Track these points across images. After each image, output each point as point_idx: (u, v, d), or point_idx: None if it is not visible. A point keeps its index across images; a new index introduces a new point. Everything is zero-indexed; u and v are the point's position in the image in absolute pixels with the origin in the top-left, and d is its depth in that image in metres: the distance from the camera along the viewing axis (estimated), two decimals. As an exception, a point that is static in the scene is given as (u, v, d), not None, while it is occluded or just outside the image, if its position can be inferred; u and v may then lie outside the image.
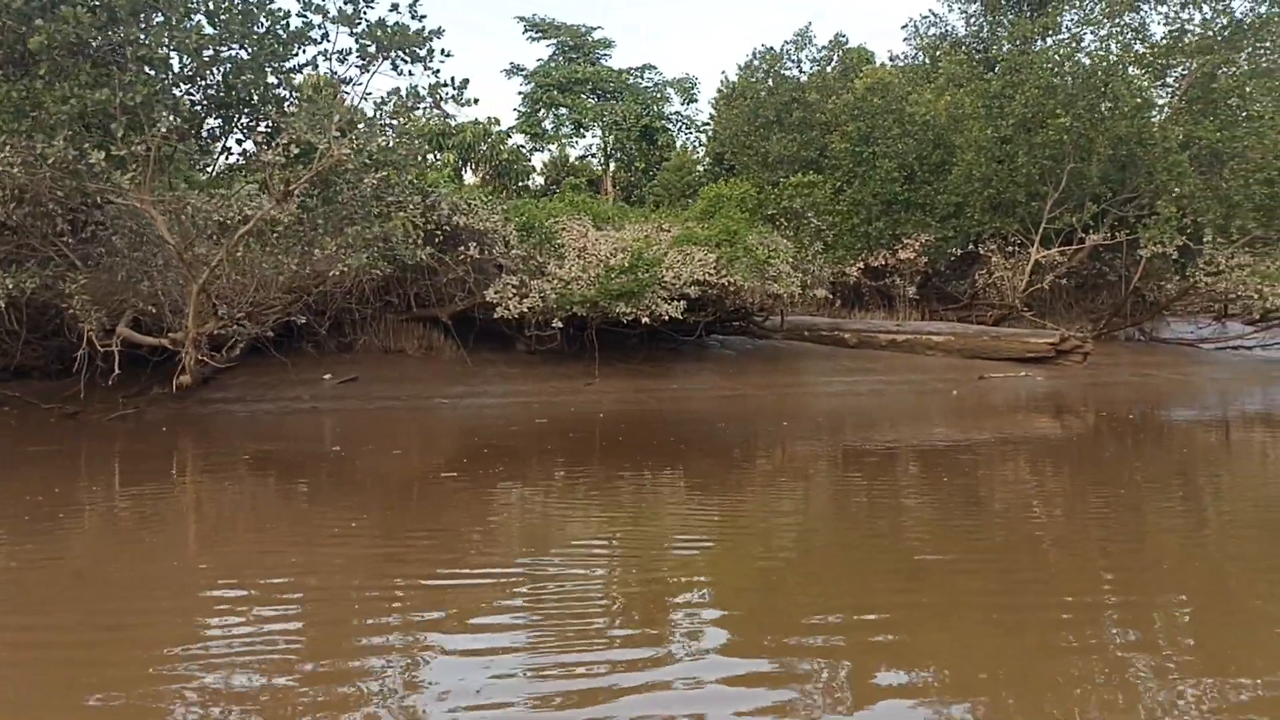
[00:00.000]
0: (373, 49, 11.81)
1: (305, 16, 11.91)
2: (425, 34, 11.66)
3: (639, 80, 36.58)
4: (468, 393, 15.17)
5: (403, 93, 12.30)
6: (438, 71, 12.08)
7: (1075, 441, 12.43)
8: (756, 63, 28.11)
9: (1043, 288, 25.58)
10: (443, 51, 11.89)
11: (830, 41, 27.60)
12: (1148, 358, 24.97)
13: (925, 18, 29.76)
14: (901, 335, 23.25)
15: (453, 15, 69.62)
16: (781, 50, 27.74)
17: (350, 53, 11.98)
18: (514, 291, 16.23)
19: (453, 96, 12.27)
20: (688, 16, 73.49)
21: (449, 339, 17.23)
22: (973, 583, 5.61)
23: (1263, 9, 23.70)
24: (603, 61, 37.69)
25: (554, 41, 37.65)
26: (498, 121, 36.16)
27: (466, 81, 12.18)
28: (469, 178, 36.47)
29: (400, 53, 11.84)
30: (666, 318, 16.60)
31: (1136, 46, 25.99)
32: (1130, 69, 25.82)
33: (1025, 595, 5.38)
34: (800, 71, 27.51)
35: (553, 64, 37.21)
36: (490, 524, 7.18)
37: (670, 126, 36.73)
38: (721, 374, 18.19)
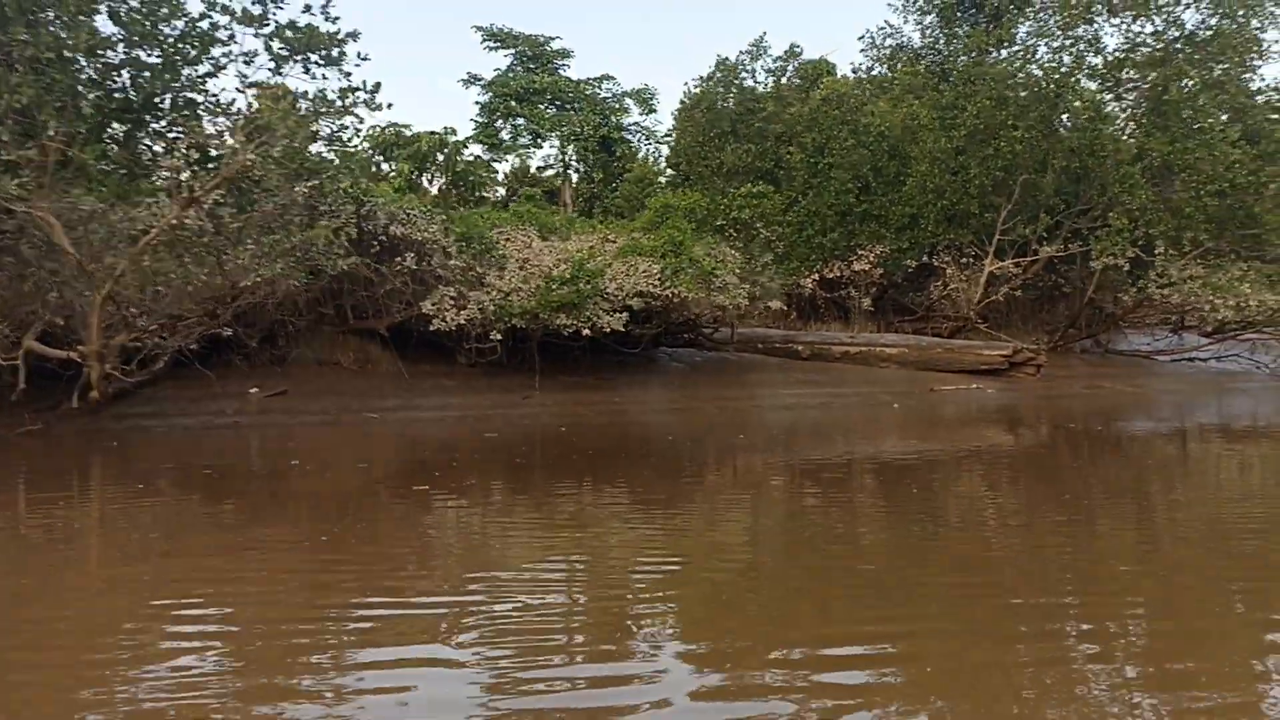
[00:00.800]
0: (285, 52, 11.39)
1: (210, 17, 11.47)
2: (339, 36, 11.28)
3: (597, 90, 36.30)
4: (401, 406, 14.75)
5: (310, 97, 11.86)
6: (349, 75, 11.69)
7: (1017, 455, 12.18)
8: (713, 73, 27.89)
9: (998, 299, 25.50)
10: (360, 55, 11.53)
11: (785, 52, 27.43)
12: (1101, 370, 24.88)
13: (881, 29, 29.67)
14: (855, 347, 23.05)
15: (409, 23, 69.30)
16: (737, 61, 27.53)
17: (255, 54, 11.54)
18: (451, 303, 15.84)
19: (364, 101, 11.87)
20: (653, 29, 73.46)
21: (387, 352, 16.80)
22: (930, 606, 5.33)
23: (1214, 21, 23.72)
24: (561, 72, 37.39)
25: (512, 51, 37.30)
26: (454, 131, 35.80)
27: (379, 85, 11.82)
28: (433, 188, 36.11)
29: (312, 56, 11.44)
30: (609, 330, 16.26)
31: (1092, 59, 25.99)
32: (1085, 82, 25.85)
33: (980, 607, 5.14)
34: (755, 82, 27.30)
35: (511, 74, 36.85)
36: (414, 548, 6.76)
37: (629, 137, 36.45)
38: (667, 387, 17.87)
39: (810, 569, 6.22)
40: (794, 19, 70.53)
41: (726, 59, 27.60)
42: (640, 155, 36.87)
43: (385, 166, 34.67)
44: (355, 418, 13.95)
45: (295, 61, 11.57)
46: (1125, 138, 23.54)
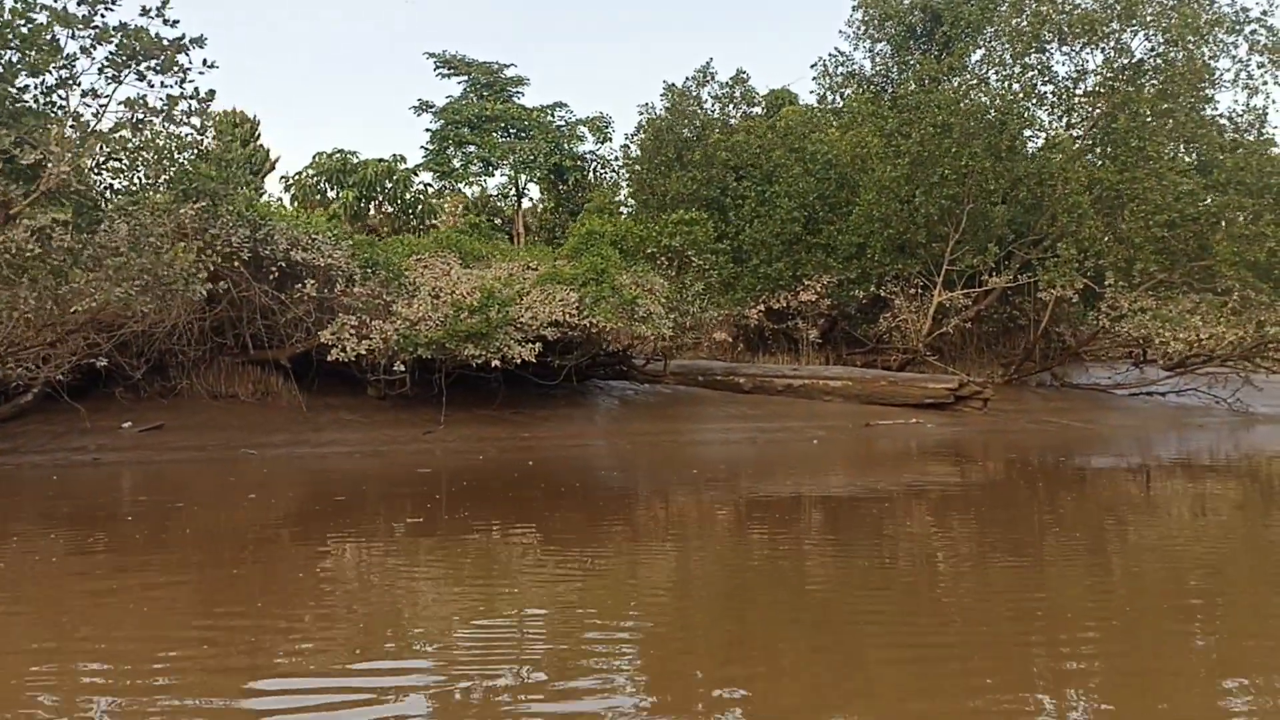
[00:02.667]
0: (122, 57, 10.60)
1: (29, 18, 10.63)
2: (182, 42, 10.50)
3: (550, 118, 35.69)
4: (288, 441, 13.86)
5: (134, 106, 11.05)
6: (181, 81, 10.89)
7: (930, 497, 11.39)
8: (660, 99, 27.33)
9: (948, 331, 24.84)
10: (205, 62, 10.72)
11: (732, 78, 26.85)
12: (1054, 404, 24.18)
13: (833, 56, 29.19)
14: (798, 380, 22.30)
15: (363, 50, 68.94)
16: (684, 87, 26.95)
17: (76, 58, 10.73)
18: (352, 332, 15.01)
19: (196, 111, 11.08)
20: (620, 58, 73.29)
21: (289, 384, 15.93)
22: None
23: (1163, 49, 23.29)
24: (516, 99, 36.79)
25: (465, 78, 36.71)
26: (403, 159, 35.12)
27: (213, 94, 11.03)
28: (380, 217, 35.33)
29: (148, 62, 10.65)
30: (519, 361, 15.45)
31: (1043, 87, 25.51)
32: (1036, 110, 25.37)
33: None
34: (700, 108, 26.71)
35: (464, 101, 36.24)
36: (265, 613, 5.88)
37: (584, 165, 35.80)
38: (588, 422, 17.05)
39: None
40: (765, 48, 70.52)
41: (674, 85, 27.05)
42: (605, 183, 36.21)
43: (331, 194, 33.94)
44: (231, 455, 13.05)
45: (129, 69, 10.75)
46: (1075, 167, 22.96)
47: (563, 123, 35.69)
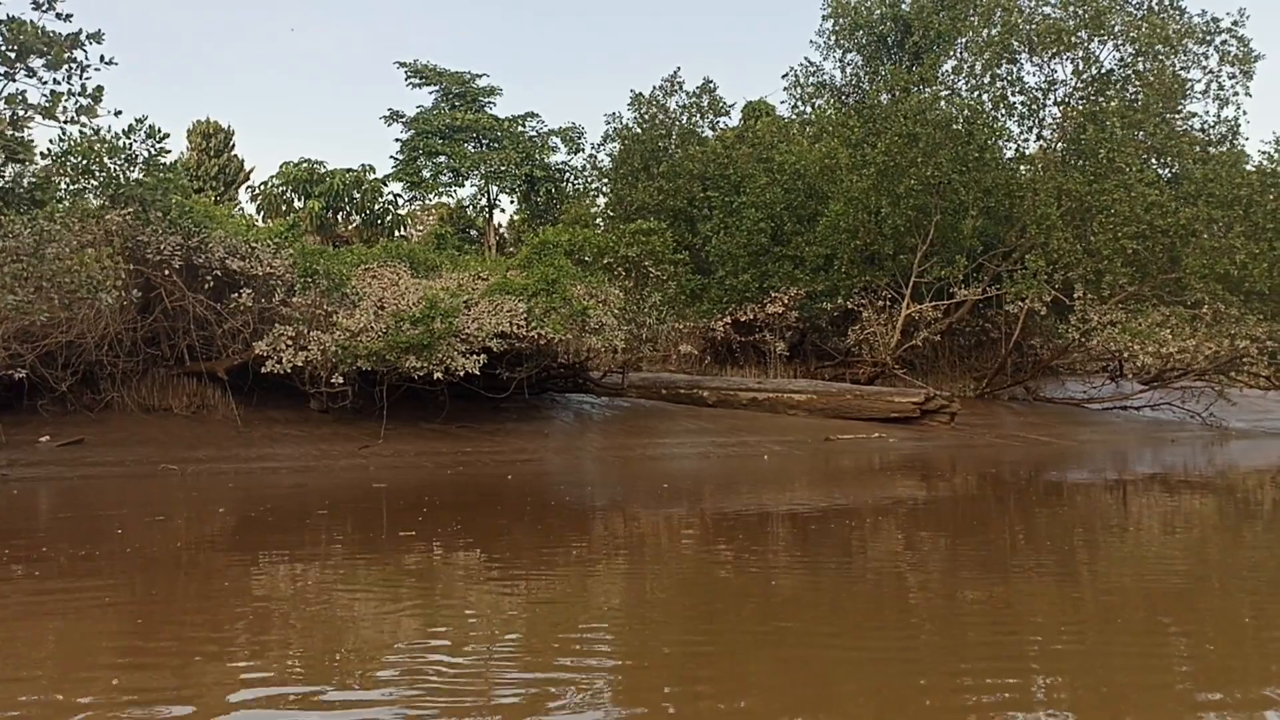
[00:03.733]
0: (10, 52, 10.11)
1: None
2: (77, 37, 10.03)
3: (522, 128, 35.28)
4: (215, 457, 13.34)
5: (14, 102, 10.57)
6: (75, 77, 10.43)
7: (874, 515, 10.94)
8: (628, 109, 26.98)
9: (917, 344, 24.44)
10: (103, 58, 10.25)
11: (699, 87, 26.49)
12: (1024, 419, 23.79)
13: (803, 66, 28.87)
14: (763, 394, 21.87)
15: (334, 59, 68.60)
16: (651, 96, 26.60)
17: None
18: (289, 343, 14.52)
19: (84, 109, 10.61)
20: (595, 70, 73.08)
21: (226, 396, 15.41)
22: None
23: (1133, 60, 23.02)
24: (488, 109, 36.38)
25: (437, 88, 36.29)
26: (372, 169, 34.68)
27: (101, 90, 10.56)
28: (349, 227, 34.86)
29: (37, 57, 10.18)
30: (463, 373, 14.97)
31: (1015, 98, 25.21)
32: (1007, 121, 25.09)
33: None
34: (668, 116, 26.34)
35: (435, 110, 35.81)
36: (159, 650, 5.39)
37: (557, 176, 35.36)
38: (539, 436, 16.56)
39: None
40: (745, 60, 70.39)
41: (641, 94, 26.72)
42: (578, 194, 35.76)
43: (297, 204, 33.46)
44: (151, 470, 12.51)
45: (18, 65, 10.26)
46: (1044, 178, 22.64)
47: (535, 133, 35.29)
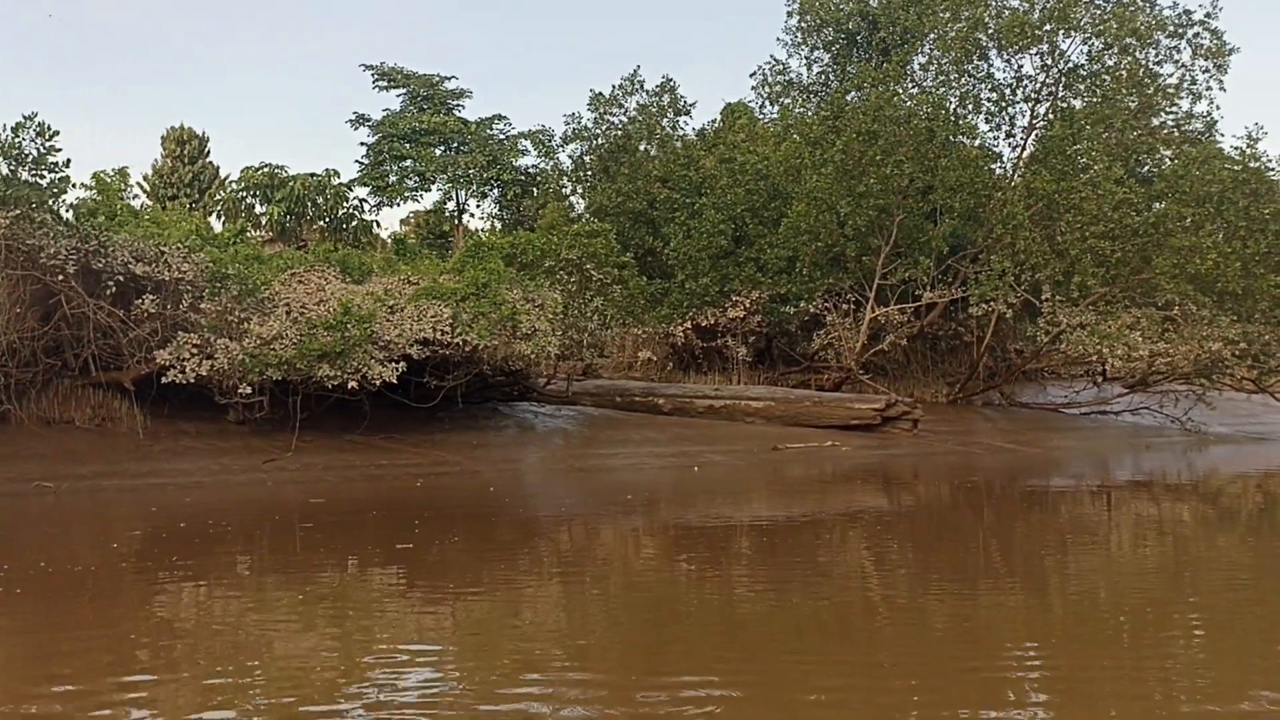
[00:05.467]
0: None
1: None
2: None
3: (490, 131, 34.54)
4: (103, 472, 12.60)
5: None
6: None
7: (799, 532, 10.21)
8: (588, 110, 26.25)
9: (884, 349, 23.66)
10: None
11: (659, 85, 25.74)
12: (995, 425, 23.04)
13: (769, 64, 28.14)
14: (720, 401, 21.10)
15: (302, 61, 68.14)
16: (611, 96, 25.88)
17: None
18: (194, 351, 13.79)
19: None
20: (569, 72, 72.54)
21: (133, 408, 14.68)
22: None
23: (1098, 52, 22.27)
24: (456, 112, 35.66)
25: (404, 91, 35.57)
26: (337, 174, 33.91)
27: None
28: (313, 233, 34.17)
29: None
30: (380, 382, 14.24)
31: (984, 95, 24.48)
32: (975, 118, 24.37)
33: None
34: (627, 117, 25.63)
35: (403, 114, 35.10)
36: None
37: (525, 179, 34.61)
38: (467, 447, 15.81)
39: None
40: (727, 63, 69.81)
41: (600, 94, 25.99)
42: (559, 196, 34.94)
43: (258, 209, 32.74)
44: (25, 489, 11.77)
45: None
46: (1011, 176, 21.91)
47: (503, 136, 34.54)
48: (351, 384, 14.04)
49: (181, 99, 47.31)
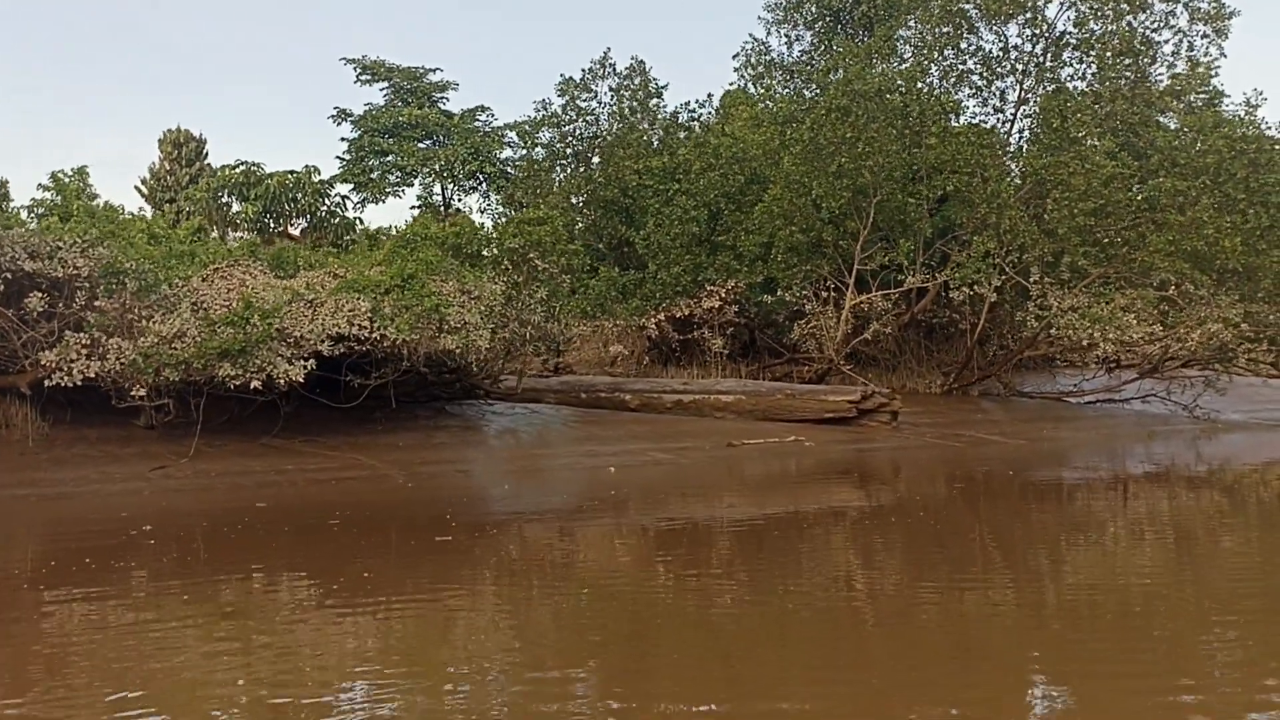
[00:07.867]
0: None
1: None
2: None
3: (473, 123, 33.58)
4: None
5: None
6: None
7: (703, 539, 9.12)
8: (557, 96, 25.23)
9: (867, 338, 22.42)
10: None
11: (628, 68, 24.65)
12: (987, 416, 21.70)
13: (748, 43, 26.96)
14: (689, 396, 19.99)
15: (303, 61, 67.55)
16: (581, 79, 24.83)
17: None
18: (83, 352, 12.90)
19: None
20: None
21: (35, 413, 13.83)
22: None
23: (1087, 18, 20.90)
24: (441, 105, 34.75)
25: (387, 84, 34.71)
26: (317, 170, 33.08)
27: None
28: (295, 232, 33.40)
29: None
30: (285, 381, 13.26)
31: (971, 69, 23.17)
32: (963, 96, 23.10)
33: None
34: (599, 102, 24.58)
35: (385, 108, 34.24)
36: None
37: (509, 171, 33.63)
38: (393, 449, 14.75)
39: None
40: (721, 54, 68.45)
41: (571, 78, 24.94)
42: (546, 186, 33.94)
43: (236, 207, 31.99)
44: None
45: None
46: (995, 151, 20.59)
47: (486, 128, 33.57)
48: (255, 384, 13.08)
49: (181, 101, 46.80)
